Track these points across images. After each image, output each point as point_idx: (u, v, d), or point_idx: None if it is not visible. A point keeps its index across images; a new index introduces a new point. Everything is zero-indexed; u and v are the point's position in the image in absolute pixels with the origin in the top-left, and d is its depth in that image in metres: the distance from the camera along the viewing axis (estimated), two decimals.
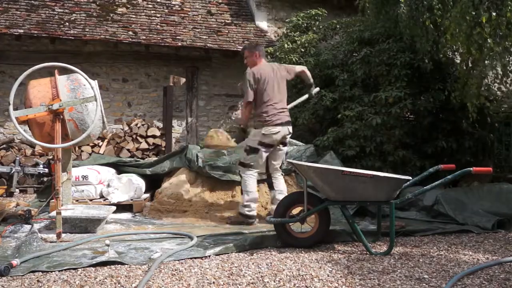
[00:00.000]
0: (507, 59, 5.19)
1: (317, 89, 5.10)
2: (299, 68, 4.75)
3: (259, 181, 5.16)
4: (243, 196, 4.44)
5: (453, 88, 5.58)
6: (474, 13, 4.62)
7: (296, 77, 4.84)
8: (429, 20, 5.40)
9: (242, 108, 4.62)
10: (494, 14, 4.54)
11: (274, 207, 4.31)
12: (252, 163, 4.40)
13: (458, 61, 6.01)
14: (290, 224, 3.59)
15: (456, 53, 6.31)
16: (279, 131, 4.35)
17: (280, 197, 4.34)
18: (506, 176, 6.24)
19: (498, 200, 4.73)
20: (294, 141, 5.76)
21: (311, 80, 4.80)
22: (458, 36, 4.77)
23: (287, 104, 4.65)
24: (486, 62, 5.10)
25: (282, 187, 4.51)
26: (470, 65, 5.24)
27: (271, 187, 4.58)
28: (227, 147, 5.45)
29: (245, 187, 4.41)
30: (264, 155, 4.41)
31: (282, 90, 4.50)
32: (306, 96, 5.04)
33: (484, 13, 4.55)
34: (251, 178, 4.42)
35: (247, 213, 4.35)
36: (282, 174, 4.60)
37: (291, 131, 4.50)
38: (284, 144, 4.54)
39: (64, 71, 4.12)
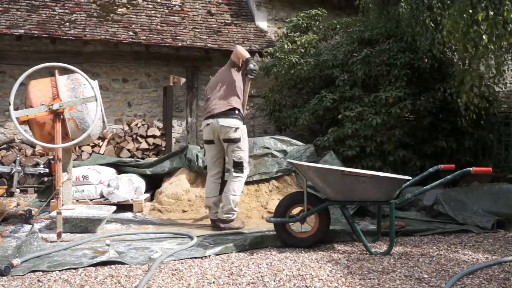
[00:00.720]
0: (502, 59, 5.19)
1: (252, 64, 4.26)
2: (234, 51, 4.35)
3: (259, 181, 5.19)
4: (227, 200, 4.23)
5: (450, 85, 5.59)
6: (471, 11, 4.63)
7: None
8: (429, 19, 5.41)
9: None
10: (491, 13, 4.54)
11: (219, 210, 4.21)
12: (206, 163, 4.36)
13: (456, 61, 6.03)
14: (290, 224, 3.59)
15: (455, 52, 6.32)
16: (208, 124, 4.17)
17: (223, 198, 4.15)
18: (506, 176, 6.24)
19: (498, 200, 4.73)
20: (294, 141, 5.76)
21: (246, 55, 4.26)
22: (454, 34, 4.78)
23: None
24: (482, 60, 5.10)
25: (226, 189, 4.15)
26: (467, 63, 5.25)
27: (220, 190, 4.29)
28: None
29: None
30: (209, 153, 4.27)
31: (224, 84, 4.25)
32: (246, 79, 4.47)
33: (482, 11, 4.56)
34: (208, 181, 4.32)
35: (233, 217, 4.22)
36: (234, 176, 4.17)
37: (227, 124, 4.09)
38: (228, 141, 4.13)
39: (64, 71, 4.13)
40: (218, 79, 4.38)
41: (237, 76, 4.30)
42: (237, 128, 4.13)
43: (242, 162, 4.17)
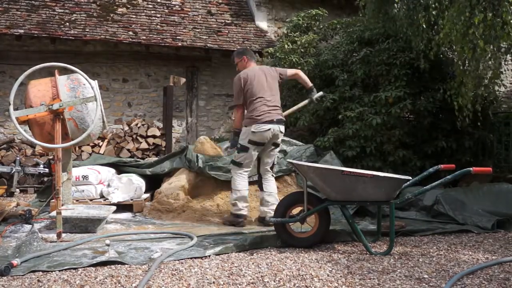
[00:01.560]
0: (500, 61, 5.19)
1: (320, 93, 4.84)
2: (291, 71, 4.65)
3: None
4: (232, 195, 4.39)
5: (449, 87, 5.59)
6: (468, 13, 4.62)
7: (291, 80, 4.78)
8: (423, 19, 5.41)
9: (235, 112, 4.56)
10: (490, 14, 4.54)
11: (263, 208, 4.35)
12: (242, 162, 4.33)
13: (455, 62, 6.03)
14: (290, 224, 3.59)
15: (455, 53, 6.31)
16: (269, 129, 4.25)
17: (269, 199, 4.33)
18: (506, 176, 6.24)
19: (498, 200, 4.73)
20: (294, 141, 5.76)
21: (309, 84, 4.69)
22: (451, 36, 4.78)
23: (287, 109, 4.64)
24: (480, 62, 5.10)
25: (272, 189, 4.41)
26: (466, 64, 5.25)
27: (261, 188, 4.47)
28: (212, 155, 5.38)
29: (234, 186, 4.35)
30: (254, 154, 4.33)
31: (274, 89, 4.43)
32: (306, 101, 4.86)
33: (480, 13, 4.55)
34: (240, 176, 4.35)
35: (236, 212, 4.31)
36: (272, 176, 4.49)
37: (283, 130, 4.39)
38: (276, 145, 4.44)
39: (64, 71, 4.12)
40: (267, 84, 4.43)
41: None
42: (283, 133, 4.48)
43: (276, 164, 4.59)
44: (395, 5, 5.78)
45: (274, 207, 4.16)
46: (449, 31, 4.78)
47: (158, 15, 8.87)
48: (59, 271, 2.84)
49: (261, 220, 4.35)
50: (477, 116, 5.47)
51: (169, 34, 8.38)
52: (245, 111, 4.44)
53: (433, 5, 5.35)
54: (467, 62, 5.21)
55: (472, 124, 5.98)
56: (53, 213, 3.95)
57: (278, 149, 4.52)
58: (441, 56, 6.31)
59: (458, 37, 4.73)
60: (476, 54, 4.76)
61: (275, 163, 4.54)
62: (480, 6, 4.61)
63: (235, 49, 8.35)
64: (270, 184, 4.43)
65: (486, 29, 4.58)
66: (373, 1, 6.47)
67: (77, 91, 4.00)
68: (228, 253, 3.35)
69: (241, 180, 4.36)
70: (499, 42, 4.70)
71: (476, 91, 5.23)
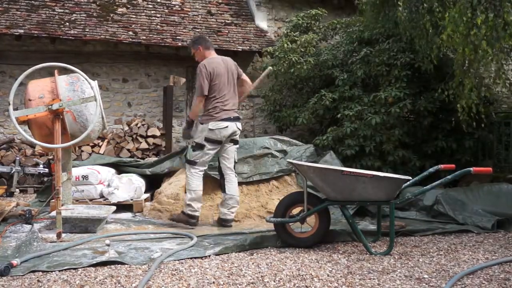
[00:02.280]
0: (502, 62, 5.18)
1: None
2: (245, 76, 4.53)
3: (259, 181, 5.18)
4: (186, 195, 4.27)
5: (448, 87, 5.58)
6: (470, 14, 4.61)
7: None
8: (429, 23, 5.38)
9: (194, 102, 4.37)
10: (491, 15, 4.53)
11: (223, 210, 4.27)
12: (197, 161, 4.20)
13: (455, 62, 6.02)
14: (290, 224, 3.59)
15: (456, 54, 6.30)
16: (227, 126, 4.15)
17: (230, 202, 4.25)
18: (506, 176, 6.23)
19: (498, 200, 4.73)
20: (294, 141, 5.75)
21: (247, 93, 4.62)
22: (454, 37, 4.76)
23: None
24: (480, 64, 5.09)
25: (234, 191, 4.26)
26: (466, 65, 5.24)
27: (223, 189, 4.32)
28: None
29: (189, 186, 4.23)
30: (210, 152, 4.22)
31: (233, 85, 4.32)
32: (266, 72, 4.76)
33: (481, 14, 4.54)
34: (195, 176, 4.22)
35: (190, 212, 4.20)
36: (235, 175, 4.34)
37: (240, 127, 4.32)
38: (235, 142, 4.33)
39: (64, 71, 4.13)
40: (228, 79, 4.29)
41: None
42: (240, 131, 4.39)
43: (236, 163, 4.44)
44: (398, 8, 5.74)
45: (235, 209, 4.24)
46: (451, 32, 4.77)
47: (158, 15, 8.87)
48: (59, 271, 2.84)
49: (220, 222, 4.28)
50: (480, 117, 5.45)
51: (169, 34, 8.38)
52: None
53: (437, 9, 5.33)
54: (466, 62, 5.20)
55: (475, 124, 5.97)
56: (53, 213, 3.95)
57: (237, 146, 4.37)
58: (442, 56, 6.29)
59: (460, 38, 4.71)
60: (478, 56, 4.75)
61: (236, 161, 4.40)
62: (482, 6, 4.60)
63: (235, 49, 8.39)
64: (233, 185, 4.28)
65: (488, 30, 4.57)
66: (372, 4, 6.46)
67: (76, 85, 4.02)
68: (228, 253, 3.35)
69: (196, 180, 4.22)
70: (501, 43, 4.68)
71: (477, 92, 5.21)
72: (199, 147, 4.21)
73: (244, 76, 4.51)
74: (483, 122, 5.63)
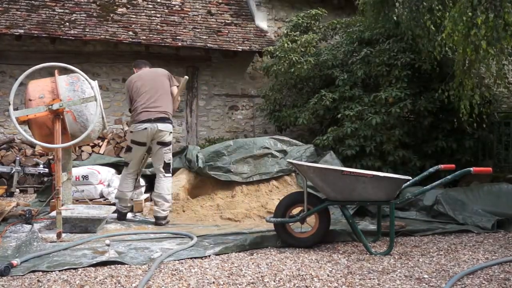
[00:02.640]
0: (503, 62, 5.17)
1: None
2: (174, 88, 4.58)
3: (259, 181, 5.19)
4: (117, 191, 4.58)
5: (448, 87, 5.59)
6: (471, 14, 4.60)
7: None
8: (429, 21, 5.39)
9: None
10: (491, 16, 4.52)
11: (154, 207, 4.45)
12: (128, 162, 4.48)
13: (456, 62, 6.02)
14: (290, 224, 3.59)
15: (456, 53, 6.30)
16: (145, 128, 4.29)
17: (157, 199, 4.40)
18: (506, 176, 6.23)
19: (498, 200, 4.73)
20: (294, 141, 5.76)
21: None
22: (454, 36, 4.76)
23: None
24: (480, 64, 5.09)
25: (160, 190, 4.39)
26: (467, 65, 5.24)
27: (153, 188, 4.55)
28: None
29: (119, 185, 4.54)
30: (137, 153, 4.43)
31: (159, 89, 4.45)
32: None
33: (482, 14, 4.54)
34: (125, 177, 4.49)
35: (118, 208, 4.49)
36: (165, 176, 4.43)
37: (163, 128, 4.33)
38: (163, 144, 4.39)
39: (64, 71, 4.13)
40: (153, 85, 4.48)
41: (170, 89, 4.56)
42: (171, 133, 4.46)
43: (170, 163, 4.50)
44: (398, 7, 5.75)
45: (165, 207, 4.36)
46: (451, 31, 4.77)
47: (158, 15, 8.87)
48: (59, 271, 2.84)
49: (155, 220, 4.41)
50: (481, 117, 5.46)
51: (169, 34, 8.38)
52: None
53: (437, 8, 5.33)
54: (467, 62, 5.20)
55: (476, 124, 5.97)
56: (53, 213, 3.95)
57: (166, 148, 4.42)
58: (442, 56, 6.29)
59: (460, 38, 4.71)
60: (479, 56, 4.74)
61: (166, 161, 4.43)
62: (482, 6, 4.59)
63: (235, 49, 8.39)
64: (161, 184, 4.42)
65: (488, 31, 4.56)
66: (372, 3, 6.46)
67: (76, 85, 4.02)
68: (228, 253, 3.35)
69: (123, 181, 4.50)
70: (501, 44, 4.68)
71: (477, 92, 5.21)
72: (127, 149, 4.51)
73: (173, 89, 4.59)
74: (484, 123, 5.63)
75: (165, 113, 4.42)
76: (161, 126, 4.34)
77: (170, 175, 4.50)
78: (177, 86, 4.61)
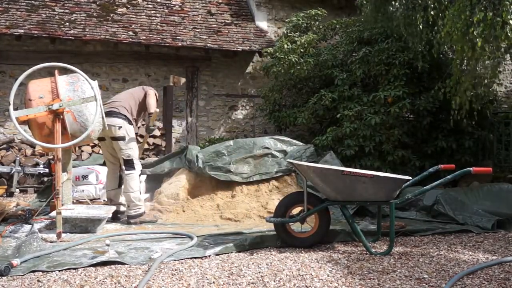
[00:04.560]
0: (498, 60, 5.19)
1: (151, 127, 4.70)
2: (150, 108, 4.59)
3: (259, 181, 5.19)
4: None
5: (445, 85, 5.60)
6: (469, 12, 4.62)
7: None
8: (421, 19, 5.41)
9: None
10: (490, 14, 4.54)
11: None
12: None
13: (454, 61, 6.03)
14: (290, 224, 3.59)
15: (455, 52, 6.31)
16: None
17: (124, 198, 4.47)
18: (506, 176, 6.24)
19: (498, 200, 4.73)
20: (294, 141, 5.76)
21: (149, 123, 4.64)
22: (453, 35, 4.78)
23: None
24: (479, 61, 5.10)
25: (124, 189, 4.42)
26: (464, 63, 5.26)
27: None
28: None
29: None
30: (104, 148, 4.58)
31: (123, 92, 4.81)
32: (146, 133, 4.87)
33: (480, 12, 4.55)
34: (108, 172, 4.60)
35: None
36: (125, 173, 4.39)
37: (109, 122, 4.25)
38: (114, 138, 4.37)
39: (64, 71, 4.13)
40: (130, 91, 4.75)
41: (143, 99, 4.61)
42: (120, 127, 4.35)
43: (132, 159, 4.41)
44: (393, 3, 5.77)
45: (132, 205, 4.38)
46: (450, 29, 4.79)
47: (158, 15, 8.87)
48: (59, 271, 2.84)
49: (127, 219, 4.45)
50: (473, 115, 5.46)
51: (169, 34, 8.38)
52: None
53: (432, 5, 5.35)
54: (465, 61, 5.21)
55: (470, 123, 5.98)
56: (53, 213, 3.95)
57: (120, 142, 4.36)
58: (441, 56, 6.30)
59: (458, 36, 4.73)
60: (476, 54, 4.77)
61: (125, 158, 4.38)
62: (481, 5, 4.61)
63: (235, 49, 8.39)
64: (125, 183, 4.40)
65: (486, 28, 4.58)
66: (371, 1, 6.47)
67: (76, 85, 4.02)
68: (228, 253, 3.35)
69: (109, 176, 4.58)
70: (498, 42, 4.70)
71: (475, 91, 5.22)
72: None
73: (149, 108, 4.61)
74: (477, 120, 5.63)
75: (115, 108, 4.40)
76: (108, 120, 4.24)
77: (132, 171, 4.39)
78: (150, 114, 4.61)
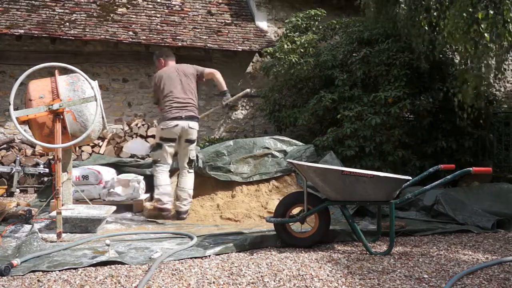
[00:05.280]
0: (503, 57, 5.20)
1: (228, 96, 4.91)
2: (208, 70, 4.81)
3: (259, 181, 5.19)
4: (155, 190, 4.63)
5: (452, 85, 5.59)
6: (471, 10, 4.63)
7: (208, 80, 4.92)
8: (424, 21, 5.42)
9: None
10: (491, 12, 4.55)
11: (176, 202, 4.63)
12: (159, 159, 4.61)
13: (458, 61, 6.03)
14: (290, 224, 3.59)
15: (455, 52, 6.32)
16: (176, 125, 4.48)
17: (181, 194, 4.60)
18: (506, 176, 6.24)
19: (498, 200, 4.73)
20: (294, 141, 5.76)
21: (224, 87, 4.82)
22: (455, 34, 4.79)
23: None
24: (482, 60, 5.11)
25: (184, 184, 4.62)
26: (468, 63, 5.27)
27: (177, 183, 4.77)
28: None
29: (155, 182, 4.62)
30: (168, 149, 4.59)
31: (187, 86, 4.66)
32: (218, 106, 5.18)
33: (482, 11, 4.57)
34: (160, 173, 4.60)
35: (160, 206, 4.55)
36: (189, 172, 4.68)
37: (193, 126, 4.58)
38: (190, 142, 4.62)
39: (64, 72, 4.14)
40: (180, 81, 4.65)
41: (196, 87, 4.78)
42: (197, 131, 4.72)
43: (194, 159, 4.78)
44: (401, 5, 5.77)
45: (187, 202, 4.57)
46: (452, 29, 4.79)
47: (158, 15, 8.87)
48: (59, 271, 2.84)
49: (175, 215, 4.60)
50: (479, 115, 5.47)
51: (169, 34, 8.38)
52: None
53: (434, 6, 5.35)
54: (469, 60, 5.22)
55: (473, 123, 5.98)
56: (53, 213, 3.95)
57: (192, 145, 4.67)
58: (441, 56, 6.30)
59: (460, 35, 4.74)
60: (478, 51, 4.78)
61: (191, 158, 4.68)
62: (482, 3, 4.62)
63: (235, 49, 8.39)
64: (185, 180, 4.64)
65: (488, 27, 4.59)
66: (374, 1, 6.47)
67: (76, 85, 4.02)
68: (228, 253, 3.35)
69: (160, 175, 4.59)
70: (501, 40, 4.71)
71: (478, 90, 5.23)
72: (158, 146, 4.64)
73: (207, 70, 4.80)
74: (481, 119, 5.63)
75: (194, 112, 4.63)
76: (191, 124, 4.56)
77: (193, 171, 4.72)
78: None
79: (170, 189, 4.67)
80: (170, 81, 4.63)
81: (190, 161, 4.69)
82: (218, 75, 4.78)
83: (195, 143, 4.72)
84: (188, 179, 4.66)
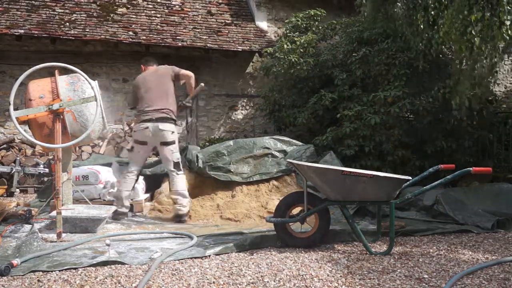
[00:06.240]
0: (495, 60, 5.20)
1: (189, 100, 5.00)
2: (185, 72, 4.78)
3: (259, 181, 5.19)
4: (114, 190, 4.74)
5: (444, 85, 5.59)
6: (467, 12, 4.64)
7: (181, 81, 4.85)
8: (422, 19, 5.42)
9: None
10: (487, 14, 4.55)
11: (174, 206, 4.59)
12: (130, 161, 4.67)
13: (455, 61, 6.04)
14: (290, 224, 3.59)
15: (453, 52, 6.33)
16: (147, 127, 4.48)
17: (175, 196, 4.54)
18: (506, 176, 6.24)
19: (498, 200, 4.74)
20: (294, 141, 5.76)
21: (191, 92, 4.86)
22: (451, 35, 4.79)
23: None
24: (476, 61, 5.12)
25: (176, 187, 4.54)
26: (464, 63, 5.28)
27: (169, 188, 4.72)
28: None
29: (119, 184, 4.65)
30: (140, 152, 4.59)
31: (161, 88, 4.64)
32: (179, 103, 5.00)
33: (478, 12, 4.57)
34: (125, 177, 4.59)
35: (117, 208, 4.54)
36: (177, 174, 4.58)
37: (165, 128, 4.50)
38: (165, 144, 4.54)
39: (64, 71, 4.13)
40: (156, 85, 4.66)
41: (173, 88, 4.75)
42: (173, 132, 4.58)
43: (179, 161, 4.63)
44: (395, 4, 5.78)
45: (185, 202, 4.52)
46: (449, 29, 4.80)
47: (158, 15, 8.87)
48: (59, 271, 2.84)
49: (174, 219, 4.55)
50: (473, 115, 5.47)
51: (169, 34, 8.38)
52: None
53: (432, 5, 5.36)
54: (464, 61, 5.23)
55: (470, 123, 5.98)
56: (53, 213, 3.95)
57: (170, 147, 4.56)
58: (440, 56, 6.30)
59: (457, 35, 4.74)
60: (473, 53, 4.79)
61: (175, 160, 4.58)
62: (479, 5, 4.62)
63: (235, 49, 8.39)
64: (175, 182, 4.56)
65: (484, 28, 4.60)
66: (371, 1, 6.47)
67: (76, 85, 4.02)
68: (228, 253, 3.35)
69: (123, 180, 4.60)
70: (495, 42, 4.72)
71: (474, 91, 5.23)
72: (130, 149, 4.68)
73: (183, 71, 4.79)
74: (476, 120, 5.63)
75: (166, 113, 4.56)
76: (162, 125, 4.49)
77: (182, 172, 4.64)
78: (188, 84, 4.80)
79: (127, 194, 4.61)
80: (145, 84, 4.67)
81: (176, 164, 4.59)
82: (191, 80, 4.78)
83: (175, 145, 4.60)
84: (178, 180, 4.57)
